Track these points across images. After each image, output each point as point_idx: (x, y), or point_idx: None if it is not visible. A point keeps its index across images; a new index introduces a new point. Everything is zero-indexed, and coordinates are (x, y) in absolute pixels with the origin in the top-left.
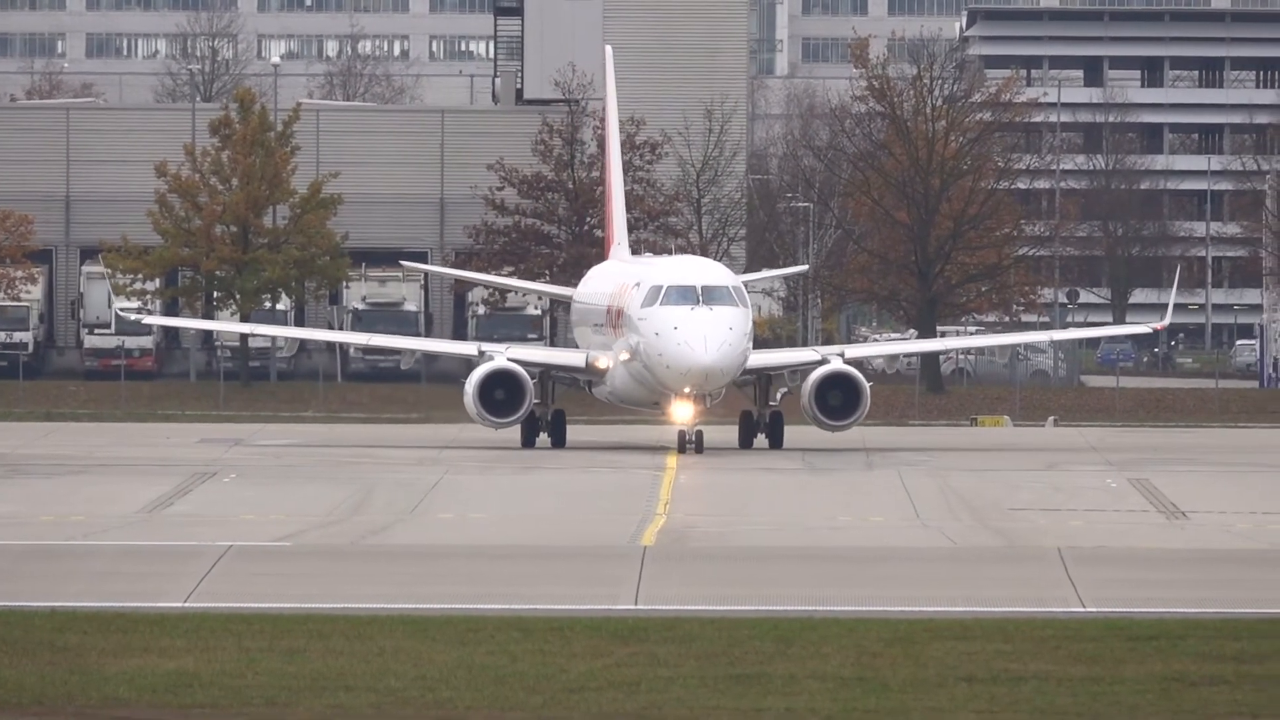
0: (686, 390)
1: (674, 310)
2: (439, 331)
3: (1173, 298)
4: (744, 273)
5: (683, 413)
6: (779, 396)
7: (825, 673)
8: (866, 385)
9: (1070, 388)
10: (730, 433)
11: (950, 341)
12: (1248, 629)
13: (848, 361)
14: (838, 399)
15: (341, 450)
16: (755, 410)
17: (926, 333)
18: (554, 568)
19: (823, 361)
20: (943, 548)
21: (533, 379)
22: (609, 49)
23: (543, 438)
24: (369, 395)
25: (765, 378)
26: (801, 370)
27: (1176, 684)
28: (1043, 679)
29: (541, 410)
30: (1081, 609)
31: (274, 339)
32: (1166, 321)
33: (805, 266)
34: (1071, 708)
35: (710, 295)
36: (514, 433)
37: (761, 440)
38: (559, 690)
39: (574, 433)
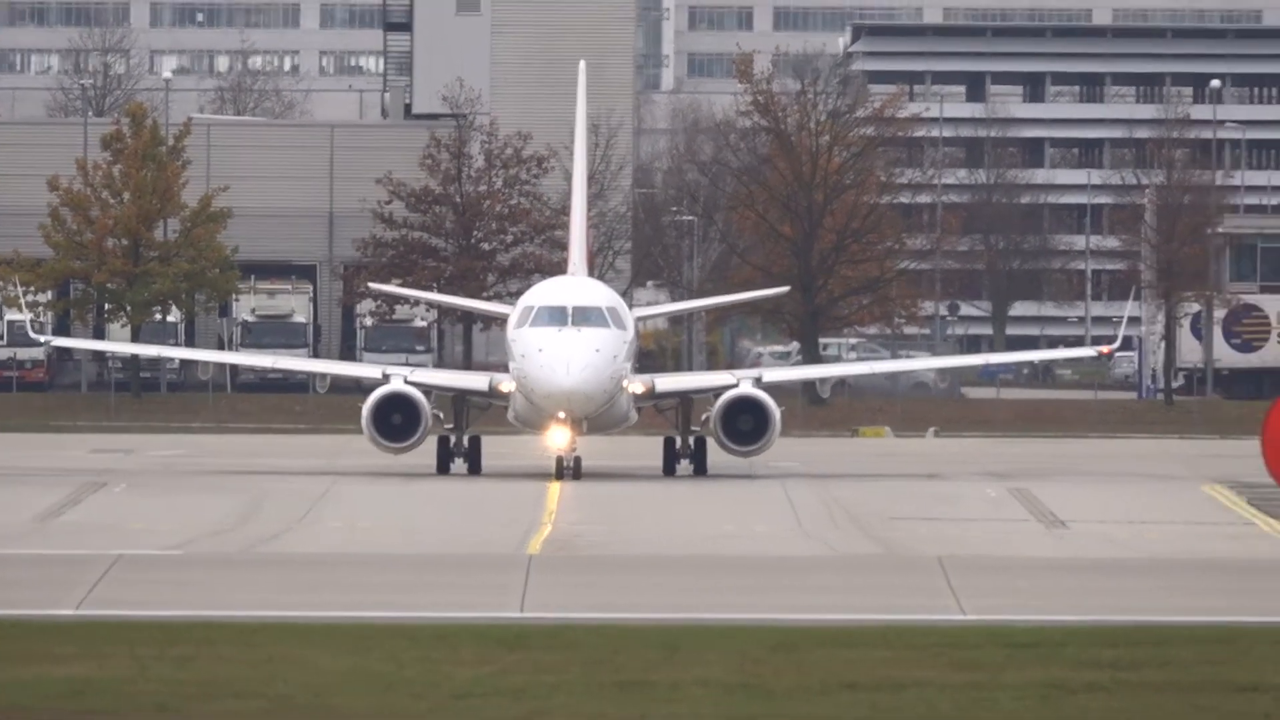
0: (561, 415)
1: (542, 332)
2: (328, 343)
3: (1124, 323)
4: (627, 287)
5: (558, 438)
6: (703, 421)
7: (709, 679)
8: (777, 410)
9: (951, 399)
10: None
11: (883, 364)
12: (1125, 637)
13: (763, 386)
14: (748, 423)
15: (231, 460)
16: (678, 436)
17: (809, 345)
18: (441, 576)
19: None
20: (825, 556)
21: (448, 402)
22: (581, 64)
23: (458, 464)
24: (258, 405)
25: (687, 402)
26: (716, 393)
27: (1055, 691)
28: (924, 686)
29: (457, 435)
30: (962, 617)
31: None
32: (1116, 346)
33: (786, 288)
34: (952, 714)
35: (581, 316)
36: (415, 457)
37: (686, 467)
38: (445, 697)
39: (494, 458)
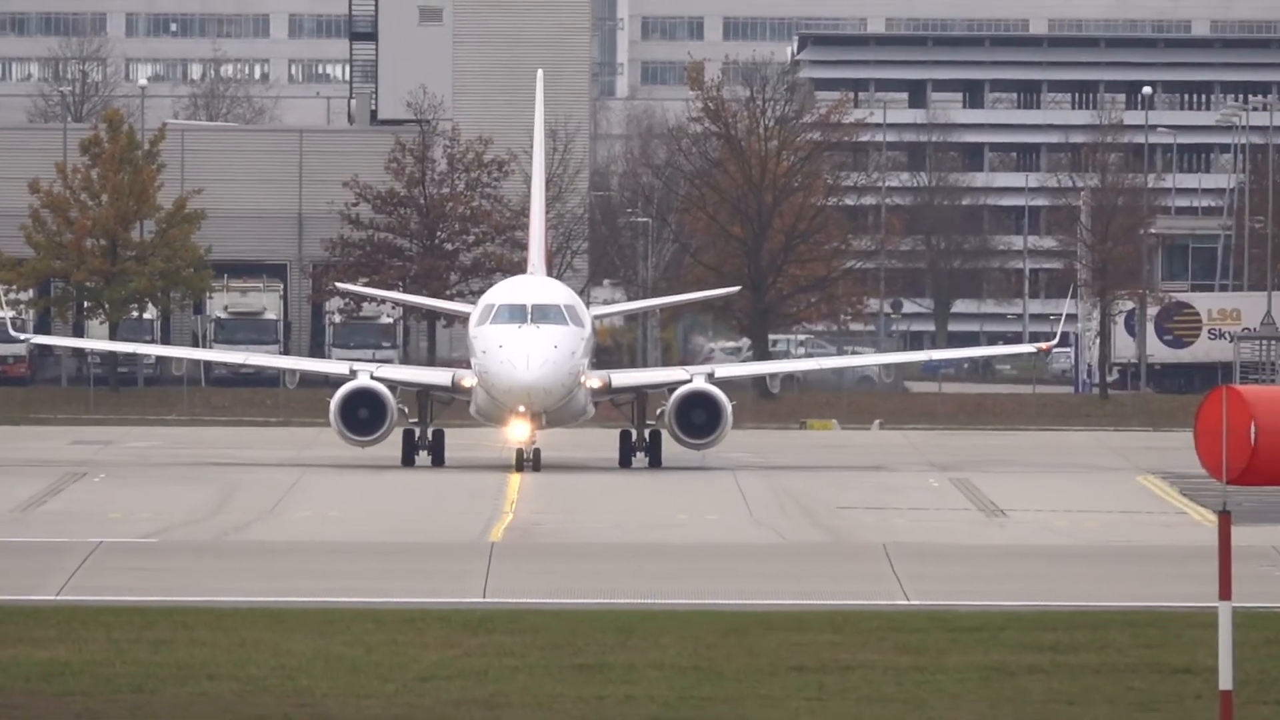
0: (520, 409)
1: (502, 329)
2: (298, 339)
3: (1063, 321)
4: (585, 286)
5: (518, 432)
6: (658, 415)
7: (663, 662)
8: (729, 404)
9: (895, 393)
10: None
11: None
12: (1063, 621)
13: (716, 381)
14: (701, 417)
15: (205, 451)
16: (634, 430)
17: (759, 342)
18: (406, 563)
19: (690, 380)
20: (775, 544)
21: (412, 397)
22: (540, 73)
23: (422, 456)
24: (231, 399)
25: (642, 396)
26: (670, 389)
27: (996, 673)
28: (869, 668)
29: (421, 429)
30: (906, 602)
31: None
32: (1054, 343)
33: (738, 288)
34: (897, 696)
35: (540, 314)
36: (382, 450)
37: (641, 459)
38: (411, 679)
39: (457, 449)
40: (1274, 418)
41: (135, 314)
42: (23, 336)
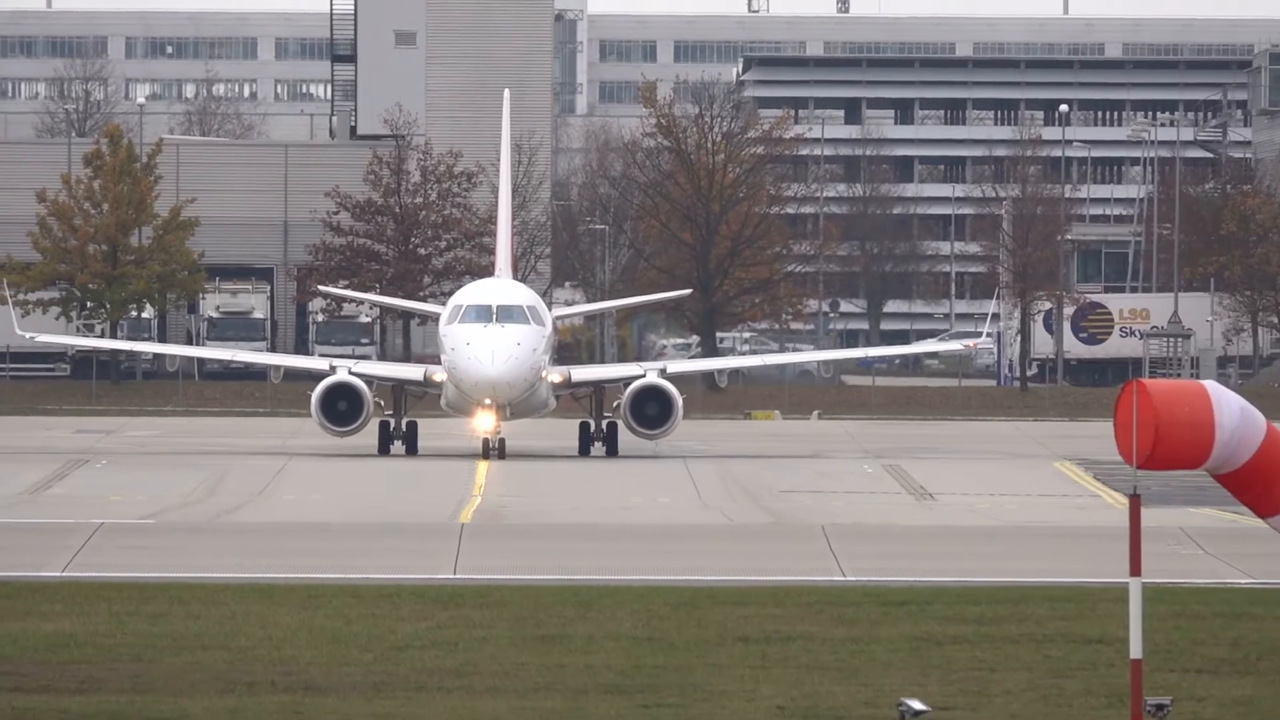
0: (486, 401)
1: (469, 328)
2: (284, 336)
3: (990, 320)
4: (547, 288)
5: (484, 422)
6: (615, 407)
7: (619, 633)
8: (679, 397)
9: (832, 386)
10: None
11: (773, 357)
12: (986, 595)
13: (668, 376)
14: (654, 409)
15: (199, 440)
16: (593, 421)
17: (708, 339)
18: (383, 542)
19: (644, 375)
20: (722, 525)
21: (388, 391)
22: (506, 92)
23: (397, 445)
24: (223, 392)
25: (600, 390)
26: (626, 383)
27: (924, 643)
28: (808, 639)
29: (396, 420)
30: (842, 578)
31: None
32: (979, 341)
33: (689, 290)
34: (833, 664)
35: (504, 314)
36: (361, 439)
37: (599, 448)
38: (388, 648)
39: (429, 439)
40: (1173, 409)
41: (134, 314)
42: (29, 334)
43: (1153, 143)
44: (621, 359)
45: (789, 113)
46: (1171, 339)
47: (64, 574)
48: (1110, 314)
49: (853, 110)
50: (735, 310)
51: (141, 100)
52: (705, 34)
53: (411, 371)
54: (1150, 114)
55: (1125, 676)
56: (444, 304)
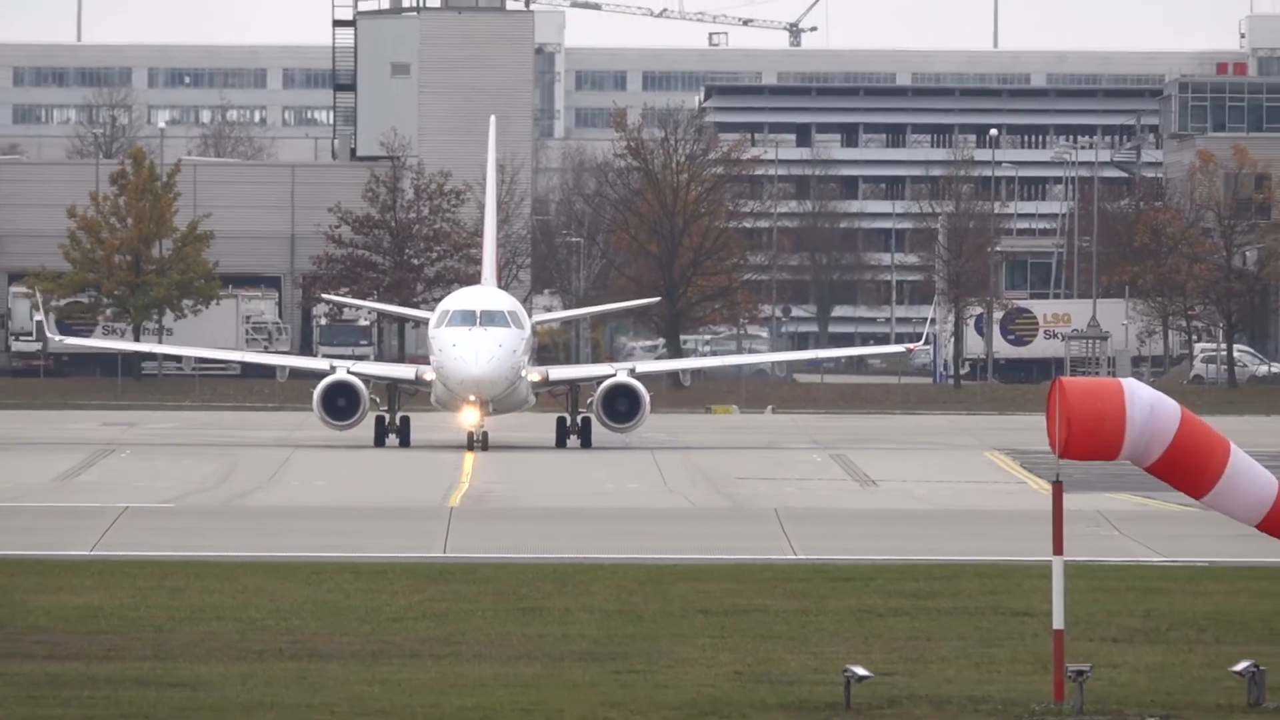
0: (471, 398)
1: (455, 331)
2: (290, 338)
3: (929, 324)
4: (527, 295)
5: (469, 417)
6: (588, 403)
7: (593, 606)
8: (647, 395)
9: (785, 383)
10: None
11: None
12: (923, 572)
13: (637, 375)
14: (624, 405)
15: (214, 432)
16: (569, 416)
17: (672, 341)
18: (379, 524)
19: (615, 374)
20: (685, 509)
21: (383, 388)
22: (491, 118)
23: (391, 438)
24: (235, 388)
25: (575, 388)
26: (598, 381)
27: (867, 615)
28: (763, 611)
29: (390, 415)
30: (794, 556)
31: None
32: (919, 345)
33: (658, 298)
34: (786, 634)
35: (488, 318)
36: (359, 432)
37: (575, 441)
38: (384, 620)
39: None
40: (1087, 405)
41: (156, 318)
42: (58, 337)
43: (1074, 164)
44: (595, 360)
45: (746, 136)
46: (1091, 341)
47: (92, 553)
48: (1035, 318)
49: (803, 134)
50: (697, 315)
51: (162, 125)
52: (670, 65)
53: (404, 371)
54: (1071, 138)
55: (1048, 645)
56: (434, 310)
